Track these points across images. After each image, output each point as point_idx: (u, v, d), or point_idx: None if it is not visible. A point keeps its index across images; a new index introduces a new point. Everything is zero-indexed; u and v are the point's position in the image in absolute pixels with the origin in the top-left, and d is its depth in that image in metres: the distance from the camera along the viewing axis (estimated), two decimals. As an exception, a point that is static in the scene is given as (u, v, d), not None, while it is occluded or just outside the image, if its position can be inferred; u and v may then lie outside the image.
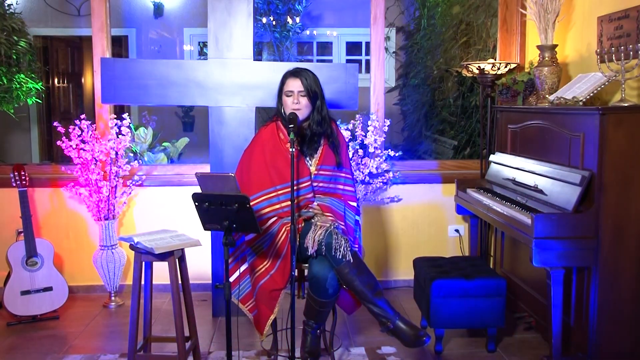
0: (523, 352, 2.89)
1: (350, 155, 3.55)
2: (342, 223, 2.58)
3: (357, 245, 2.60)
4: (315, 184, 2.64)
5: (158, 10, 6.53)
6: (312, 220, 2.56)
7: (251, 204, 2.22)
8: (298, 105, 2.55)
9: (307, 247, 2.46)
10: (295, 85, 2.57)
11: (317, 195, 2.65)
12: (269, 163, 2.59)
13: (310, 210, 2.60)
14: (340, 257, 2.42)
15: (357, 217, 2.72)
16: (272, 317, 2.55)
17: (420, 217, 3.83)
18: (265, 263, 2.55)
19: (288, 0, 6.01)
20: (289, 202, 2.47)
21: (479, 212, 3.17)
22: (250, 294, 2.61)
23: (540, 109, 2.97)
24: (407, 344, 2.49)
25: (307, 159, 2.64)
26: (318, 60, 6.93)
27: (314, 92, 2.58)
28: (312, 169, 2.64)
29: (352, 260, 2.44)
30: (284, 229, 2.52)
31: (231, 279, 2.63)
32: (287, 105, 2.58)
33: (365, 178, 3.59)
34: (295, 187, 2.42)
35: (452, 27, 5.30)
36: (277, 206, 2.58)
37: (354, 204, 2.73)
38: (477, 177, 3.66)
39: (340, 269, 2.45)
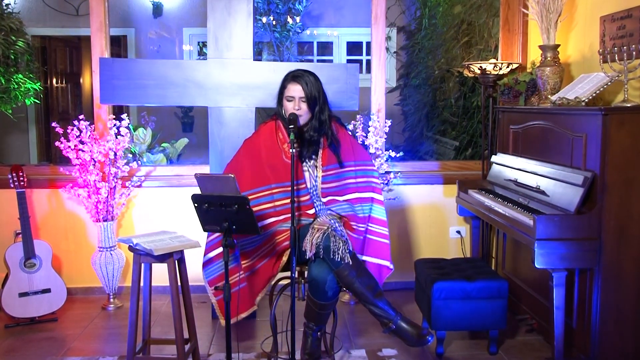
0: (525, 354, 2.87)
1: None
2: (346, 226, 2.60)
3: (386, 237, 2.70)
4: (324, 186, 2.63)
5: (157, 9, 6.51)
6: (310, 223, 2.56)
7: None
8: (299, 111, 2.55)
9: (305, 250, 2.44)
10: (296, 90, 2.56)
11: (327, 197, 2.64)
12: (265, 161, 2.59)
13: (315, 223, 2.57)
14: (339, 259, 2.41)
15: (372, 207, 2.72)
16: (261, 295, 2.60)
17: (421, 219, 3.81)
18: (247, 261, 2.57)
19: (288, -1, 6.00)
20: (283, 201, 2.48)
21: (480, 214, 3.15)
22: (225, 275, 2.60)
23: (542, 109, 2.95)
24: (411, 344, 2.48)
25: (305, 161, 2.63)
26: (318, 61, 6.91)
27: (314, 98, 2.57)
28: (319, 172, 2.63)
29: (351, 262, 2.43)
30: (281, 236, 2.53)
31: (210, 255, 2.66)
32: (288, 109, 2.58)
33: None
34: (288, 188, 2.46)
35: (453, 26, 5.29)
36: (270, 205, 2.56)
37: (366, 194, 2.72)
38: (478, 178, 3.64)
39: (340, 271, 2.43)
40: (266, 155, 2.60)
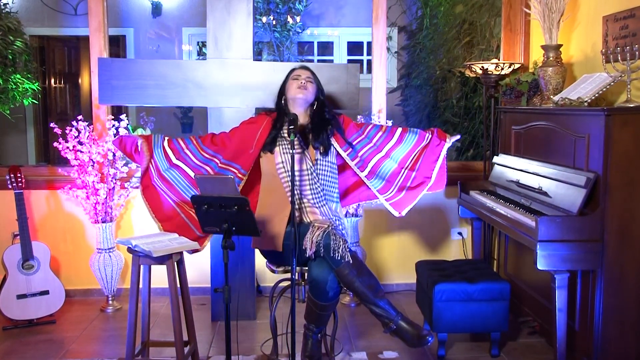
0: (527, 356, 2.86)
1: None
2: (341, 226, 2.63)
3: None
4: (354, 162, 2.75)
5: (156, 9, 6.49)
6: (310, 222, 2.56)
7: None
8: (304, 84, 2.67)
9: (306, 248, 2.43)
10: (304, 72, 2.73)
11: (365, 169, 2.78)
12: (238, 141, 2.71)
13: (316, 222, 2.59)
14: (339, 258, 2.40)
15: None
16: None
17: (422, 220, 3.79)
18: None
19: (288, -1, 5.98)
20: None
21: (482, 215, 3.13)
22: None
23: (544, 109, 2.93)
24: (410, 344, 2.46)
25: (307, 151, 2.66)
26: (319, 61, 6.89)
27: (318, 85, 2.74)
28: (343, 152, 2.74)
29: (351, 261, 2.42)
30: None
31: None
32: (291, 89, 2.68)
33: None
34: (230, 168, 2.68)
35: (455, 26, 5.27)
36: (208, 168, 2.74)
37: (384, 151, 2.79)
38: (480, 179, 3.62)
39: (340, 270, 2.42)
40: (243, 138, 2.71)
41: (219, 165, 2.73)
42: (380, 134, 2.79)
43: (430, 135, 2.80)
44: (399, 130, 2.81)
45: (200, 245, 2.68)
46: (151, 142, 2.72)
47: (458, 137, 2.82)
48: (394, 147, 2.77)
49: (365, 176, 2.77)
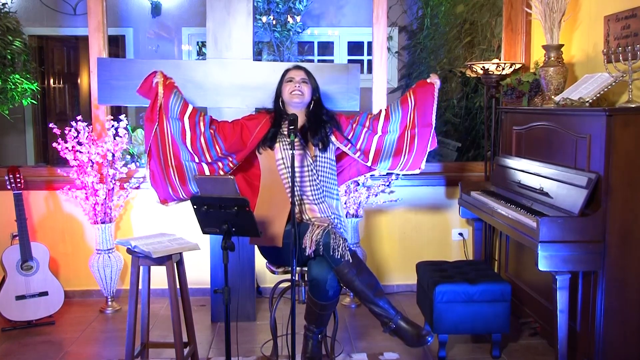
0: (528, 358, 2.85)
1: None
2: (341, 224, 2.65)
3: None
4: (357, 155, 2.79)
5: (156, 9, 6.47)
6: (310, 221, 2.56)
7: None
8: (299, 88, 2.67)
9: (305, 247, 2.43)
10: (297, 74, 2.72)
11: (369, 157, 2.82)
12: (239, 130, 2.75)
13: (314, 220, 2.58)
14: (339, 257, 2.40)
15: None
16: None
17: (423, 220, 3.78)
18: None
19: (288, -1, 5.96)
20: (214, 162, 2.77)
21: (483, 216, 3.12)
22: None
23: (545, 110, 2.93)
24: (410, 343, 2.46)
25: (307, 148, 2.66)
26: (319, 61, 6.87)
27: (313, 85, 2.74)
28: (345, 148, 2.76)
29: (351, 260, 2.42)
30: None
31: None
32: (286, 91, 2.69)
33: (366, 180, 3.54)
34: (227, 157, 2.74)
35: (455, 26, 5.26)
36: (202, 144, 2.77)
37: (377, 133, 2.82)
38: (481, 180, 3.62)
39: (340, 269, 2.42)
40: (243, 132, 2.75)
41: (219, 154, 2.77)
42: (368, 118, 2.83)
43: (411, 92, 2.85)
44: (383, 109, 2.85)
45: (165, 204, 2.83)
46: (172, 88, 2.76)
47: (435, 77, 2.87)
48: (387, 123, 2.81)
49: (371, 165, 2.82)
